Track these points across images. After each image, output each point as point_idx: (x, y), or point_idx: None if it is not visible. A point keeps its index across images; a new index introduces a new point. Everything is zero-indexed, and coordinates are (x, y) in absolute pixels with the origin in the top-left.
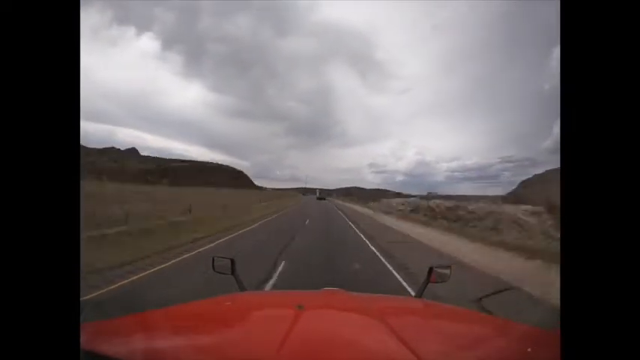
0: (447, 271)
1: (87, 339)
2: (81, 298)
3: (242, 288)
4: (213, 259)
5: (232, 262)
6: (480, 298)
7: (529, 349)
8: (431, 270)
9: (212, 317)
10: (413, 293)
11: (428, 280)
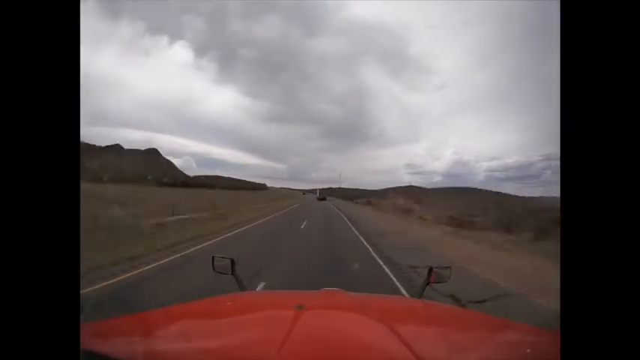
0: (447, 272)
1: (87, 339)
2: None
3: (242, 288)
4: (213, 259)
5: (232, 262)
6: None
7: (529, 350)
8: (431, 270)
9: (212, 317)
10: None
11: (428, 281)
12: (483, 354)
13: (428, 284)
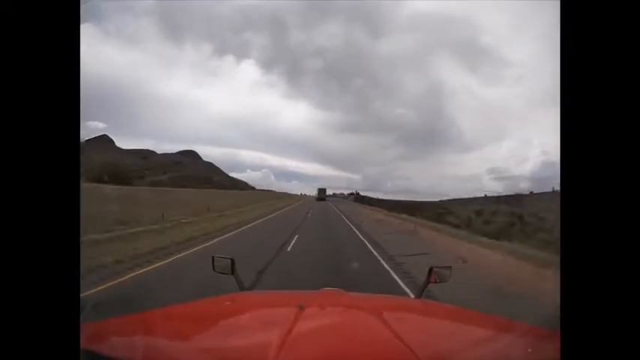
0: (447, 272)
1: (87, 339)
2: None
3: (242, 288)
4: (213, 259)
5: (232, 262)
6: None
7: (529, 350)
8: (431, 270)
9: (212, 317)
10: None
11: (428, 281)
12: (484, 354)
13: (428, 284)
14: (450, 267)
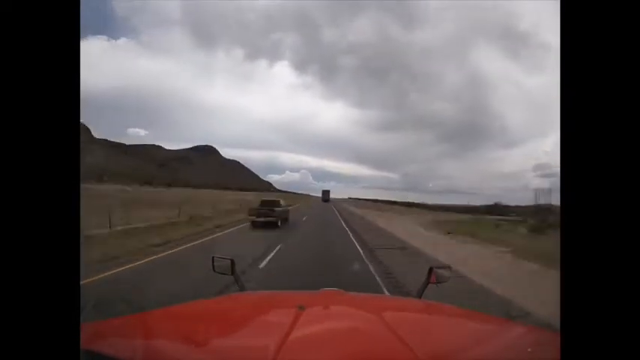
0: (447, 272)
1: (87, 339)
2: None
3: (242, 288)
4: (212, 259)
5: (232, 262)
6: None
7: (529, 349)
8: (431, 270)
9: (212, 317)
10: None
11: (428, 281)
12: (484, 354)
13: (428, 284)
14: (450, 266)
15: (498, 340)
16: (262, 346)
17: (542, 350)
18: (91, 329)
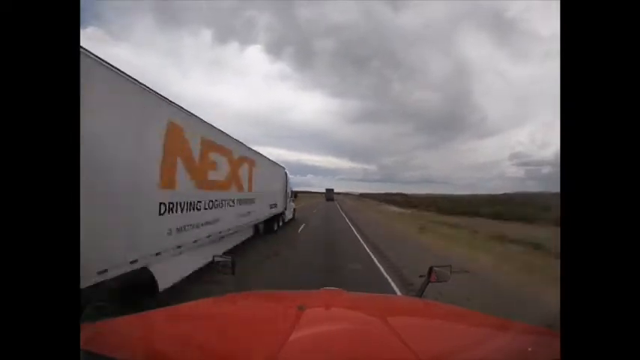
0: (447, 271)
1: (87, 339)
2: None
3: (242, 288)
4: (213, 258)
5: (233, 262)
6: None
7: (529, 349)
8: (431, 270)
9: (212, 317)
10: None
11: (428, 280)
12: (484, 353)
13: (428, 283)
14: (450, 266)
15: (498, 340)
16: (263, 346)
17: (542, 350)
18: (91, 329)
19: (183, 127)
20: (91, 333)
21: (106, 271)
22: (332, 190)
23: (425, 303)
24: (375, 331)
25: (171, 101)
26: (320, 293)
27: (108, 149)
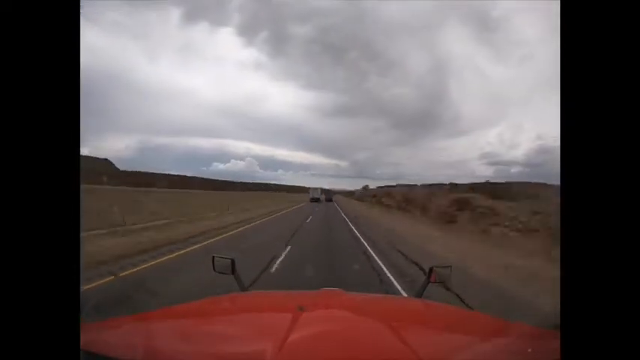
0: (448, 271)
1: (87, 339)
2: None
3: (242, 288)
4: (213, 259)
5: (232, 262)
6: None
7: (529, 350)
8: (431, 270)
9: (212, 317)
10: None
11: (428, 281)
12: (484, 354)
13: (428, 284)
14: (450, 266)
15: (498, 340)
16: (262, 346)
17: (542, 350)
18: (91, 329)
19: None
20: (91, 333)
21: None
22: (318, 189)
23: (425, 303)
24: (374, 331)
25: None
26: (319, 293)
27: None
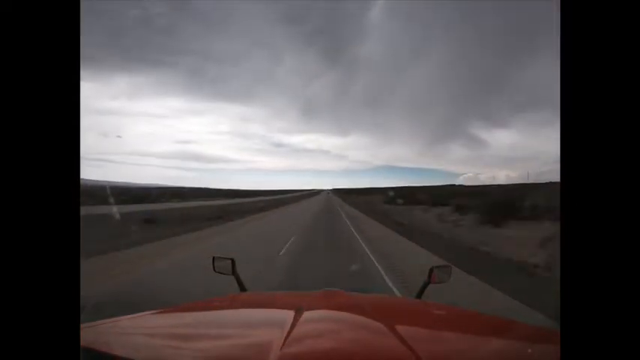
0: (448, 271)
1: (87, 339)
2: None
3: (242, 288)
4: (213, 259)
5: (233, 262)
6: None
7: (529, 350)
8: (431, 270)
9: (212, 318)
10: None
11: (428, 281)
12: (484, 354)
13: (428, 284)
14: (450, 266)
15: (498, 340)
16: (262, 347)
17: (542, 350)
18: (91, 329)
19: None
20: (91, 333)
21: None
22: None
23: (425, 304)
24: (375, 332)
25: None
26: (319, 294)
27: None
